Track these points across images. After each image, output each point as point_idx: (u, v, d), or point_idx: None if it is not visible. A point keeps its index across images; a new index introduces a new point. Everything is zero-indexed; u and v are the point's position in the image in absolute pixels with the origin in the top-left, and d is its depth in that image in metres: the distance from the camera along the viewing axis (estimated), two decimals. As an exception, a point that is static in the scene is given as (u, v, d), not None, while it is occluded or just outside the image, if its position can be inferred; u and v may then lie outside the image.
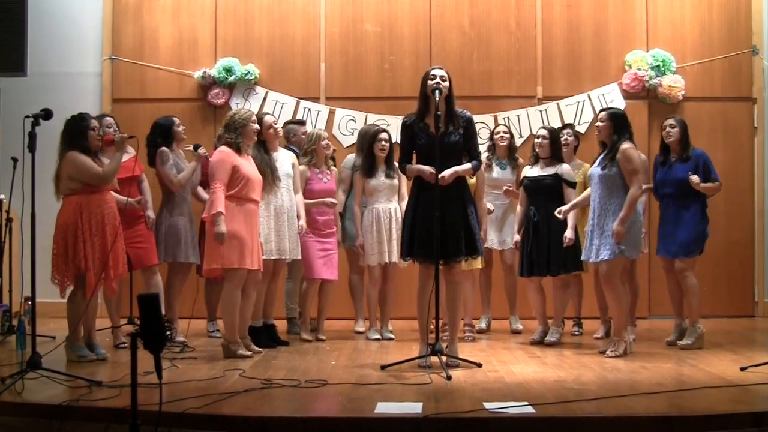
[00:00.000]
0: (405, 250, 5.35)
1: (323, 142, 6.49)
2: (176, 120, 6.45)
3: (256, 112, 6.27)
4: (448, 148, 5.23)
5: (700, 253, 6.06)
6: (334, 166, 6.74)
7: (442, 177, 5.15)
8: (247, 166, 5.63)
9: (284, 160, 6.24)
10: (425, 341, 5.29)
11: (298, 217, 6.16)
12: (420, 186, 5.32)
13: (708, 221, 6.09)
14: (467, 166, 5.32)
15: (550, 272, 6.17)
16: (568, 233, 6.08)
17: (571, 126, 6.93)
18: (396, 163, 6.26)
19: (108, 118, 6.16)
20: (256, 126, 5.74)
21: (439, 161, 5.14)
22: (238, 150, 5.60)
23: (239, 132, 5.60)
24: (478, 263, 6.26)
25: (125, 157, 5.81)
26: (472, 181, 6.26)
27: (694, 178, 5.94)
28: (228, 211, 5.43)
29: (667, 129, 6.14)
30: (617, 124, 5.70)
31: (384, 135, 6.50)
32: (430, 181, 5.16)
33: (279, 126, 6.32)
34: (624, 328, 5.70)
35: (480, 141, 7.48)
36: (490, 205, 6.56)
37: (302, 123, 7.21)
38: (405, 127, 5.39)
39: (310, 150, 6.50)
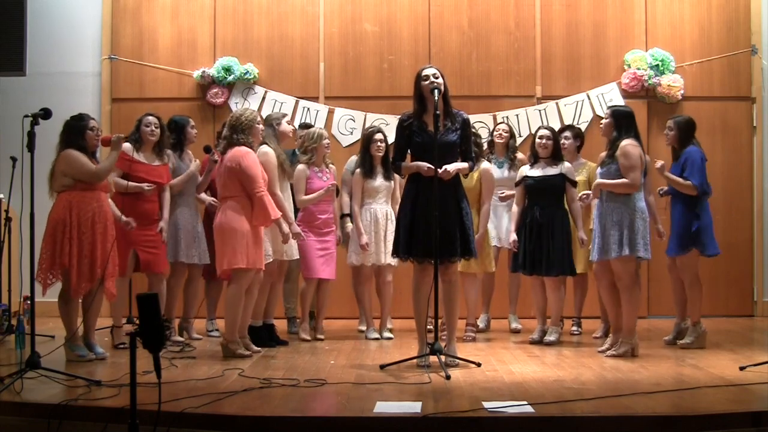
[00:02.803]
0: (403, 249, 5.29)
1: (325, 141, 6.48)
2: (191, 122, 6.53)
3: (260, 113, 6.27)
4: (445, 146, 5.21)
5: (703, 251, 6.01)
6: (332, 164, 6.70)
7: (446, 170, 5.12)
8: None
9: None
10: (423, 341, 5.29)
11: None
12: (417, 184, 5.27)
13: (699, 218, 5.97)
14: (465, 164, 5.31)
15: (550, 273, 6.16)
16: (581, 235, 6.13)
17: (570, 128, 6.91)
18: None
19: (149, 117, 6.11)
20: (261, 126, 5.75)
21: (438, 159, 5.12)
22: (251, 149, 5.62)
23: (248, 132, 5.60)
24: (473, 266, 6.21)
25: (158, 163, 6.05)
26: (475, 184, 6.24)
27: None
28: (244, 211, 5.44)
29: (666, 131, 6.20)
30: (618, 121, 5.70)
31: (379, 135, 6.49)
32: (429, 176, 5.11)
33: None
34: (633, 331, 5.62)
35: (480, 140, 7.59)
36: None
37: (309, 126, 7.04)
38: (401, 126, 5.33)
39: (311, 148, 6.47)
